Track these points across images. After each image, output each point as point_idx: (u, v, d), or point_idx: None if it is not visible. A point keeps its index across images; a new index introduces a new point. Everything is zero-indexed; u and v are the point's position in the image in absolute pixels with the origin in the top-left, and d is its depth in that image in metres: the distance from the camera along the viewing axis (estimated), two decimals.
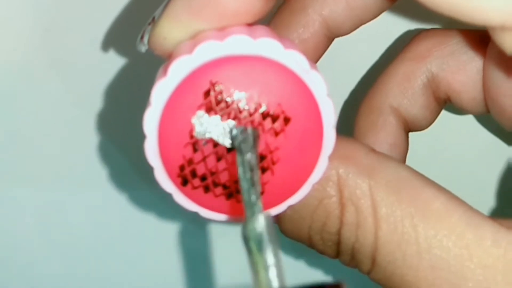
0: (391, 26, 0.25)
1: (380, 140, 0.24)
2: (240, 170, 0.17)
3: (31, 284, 0.31)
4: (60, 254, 0.31)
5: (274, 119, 0.18)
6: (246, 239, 0.16)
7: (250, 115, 0.18)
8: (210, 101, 0.17)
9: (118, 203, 0.30)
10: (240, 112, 0.17)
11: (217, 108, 0.17)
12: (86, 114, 0.28)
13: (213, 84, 0.17)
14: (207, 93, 0.17)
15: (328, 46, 0.24)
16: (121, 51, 0.26)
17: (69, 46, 0.26)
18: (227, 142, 0.18)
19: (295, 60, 0.18)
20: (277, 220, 0.21)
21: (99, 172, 0.29)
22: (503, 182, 0.29)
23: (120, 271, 0.31)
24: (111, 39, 0.26)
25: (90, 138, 0.28)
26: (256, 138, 0.17)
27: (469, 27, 0.23)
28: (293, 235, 0.21)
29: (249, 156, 0.17)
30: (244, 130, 0.17)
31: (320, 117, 0.18)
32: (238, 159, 0.17)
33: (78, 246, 0.30)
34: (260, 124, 0.18)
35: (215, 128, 0.18)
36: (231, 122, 0.17)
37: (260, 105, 0.17)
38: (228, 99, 0.17)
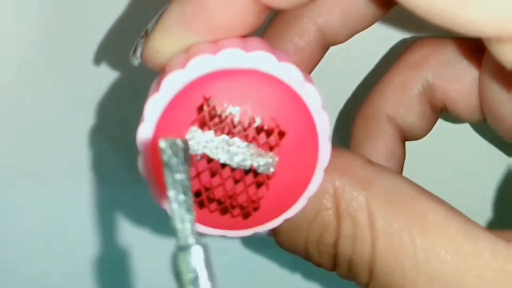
0: (386, 34, 0.25)
1: (377, 149, 0.24)
2: (171, 193, 0.14)
3: (29, 283, 0.31)
4: (57, 254, 0.31)
5: (269, 133, 0.17)
6: (177, 274, 0.14)
7: (244, 129, 0.17)
8: (204, 116, 0.17)
9: (115, 203, 0.30)
10: (234, 127, 0.17)
11: (211, 123, 0.17)
12: (83, 116, 0.28)
13: (206, 99, 0.17)
14: (200, 108, 0.17)
15: (323, 55, 0.23)
16: (117, 56, 0.26)
17: (66, 49, 0.26)
18: (221, 157, 0.17)
19: (289, 73, 0.17)
20: (273, 232, 0.21)
21: (97, 173, 0.29)
22: (501, 193, 0.28)
23: (117, 271, 0.31)
24: (109, 42, 0.26)
25: (87, 138, 0.28)
26: (187, 151, 0.15)
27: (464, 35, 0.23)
28: (289, 248, 0.21)
29: (180, 176, 0.14)
30: (173, 143, 0.15)
31: (315, 130, 0.18)
32: (168, 179, 0.14)
33: (75, 247, 0.31)
34: (254, 138, 0.17)
35: (209, 144, 0.17)
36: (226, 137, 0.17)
37: (254, 120, 0.17)
38: (222, 114, 0.17)
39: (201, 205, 0.18)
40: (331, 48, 0.23)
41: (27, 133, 0.28)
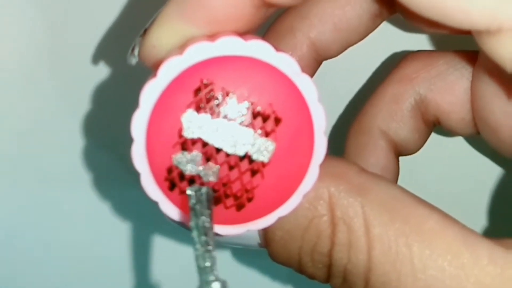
0: (378, 49, 0.26)
1: (370, 164, 0.24)
2: (194, 234, 0.16)
3: (29, 283, 0.31)
4: (54, 253, 0.30)
5: (265, 118, 0.17)
6: None
7: (241, 114, 0.17)
8: (200, 99, 0.17)
9: (110, 203, 0.30)
10: (231, 110, 0.17)
11: (207, 107, 0.17)
12: (78, 115, 0.28)
13: (203, 82, 0.17)
14: (197, 91, 0.17)
15: (316, 69, 0.24)
16: (113, 57, 0.27)
17: (62, 48, 0.27)
18: (216, 141, 0.17)
19: (286, 63, 0.18)
20: (267, 243, 0.21)
21: (92, 172, 0.29)
22: (494, 206, 0.28)
23: (115, 271, 0.31)
24: (104, 43, 0.26)
25: (83, 137, 0.28)
26: (210, 198, 0.17)
27: (456, 48, 0.24)
28: (282, 259, 0.21)
29: (204, 219, 0.16)
30: (198, 190, 0.17)
31: (311, 121, 0.18)
32: (192, 221, 0.16)
33: (72, 246, 0.30)
34: (251, 123, 0.17)
35: (204, 127, 0.17)
36: (222, 121, 0.17)
37: (250, 104, 0.17)
38: (219, 97, 0.17)
39: None
40: (324, 63, 0.24)
41: (27, 133, 0.28)
